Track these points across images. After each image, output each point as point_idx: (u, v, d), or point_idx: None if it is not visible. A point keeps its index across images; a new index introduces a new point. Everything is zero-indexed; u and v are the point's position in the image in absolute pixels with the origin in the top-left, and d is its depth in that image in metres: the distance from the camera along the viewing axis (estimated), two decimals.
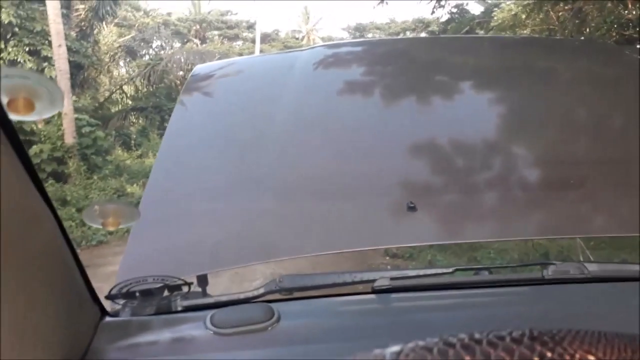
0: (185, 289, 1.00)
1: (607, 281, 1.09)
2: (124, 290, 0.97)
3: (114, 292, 0.97)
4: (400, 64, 1.79)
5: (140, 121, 13.54)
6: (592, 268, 1.08)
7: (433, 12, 10.92)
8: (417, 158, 1.36)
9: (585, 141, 1.55)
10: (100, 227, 0.84)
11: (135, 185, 8.88)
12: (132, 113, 13.57)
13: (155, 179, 1.25)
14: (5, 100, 0.54)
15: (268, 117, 1.39)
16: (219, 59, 12.09)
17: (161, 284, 0.98)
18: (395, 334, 0.84)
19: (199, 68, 1.76)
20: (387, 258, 5.00)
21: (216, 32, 25.08)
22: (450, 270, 1.08)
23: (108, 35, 15.19)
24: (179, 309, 1.01)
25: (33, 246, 0.66)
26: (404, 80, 1.70)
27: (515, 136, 1.57)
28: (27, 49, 10.45)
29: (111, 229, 0.83)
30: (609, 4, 7.40)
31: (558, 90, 1.68)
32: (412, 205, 1.09)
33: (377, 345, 0.77)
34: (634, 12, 7.27)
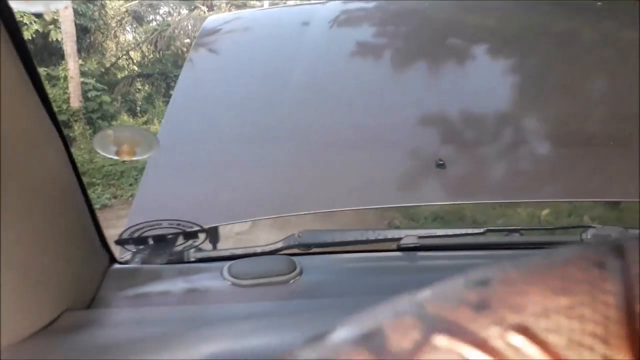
0: (201, 237, 0.96)
1: None
2: (136, 234, 0.93)
3: (125, 236, 0.93)
4: (424, 24, 1.74)
5: (146, 88, 13.43)
6: (634, 232, 1.03)
7: None
8: (440, 114, 1.33)
9: (611, 106, 1.51)
10: (114, 156, 0.79)
11: None
12: (138, 79, 13.46)
13: (169, 125, 1.21)
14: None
15: (284, 71, 1.36)
16: None
17: (176, 230, 0.94)
18: (422, 288, 0.82)
19: (211, 20, 1.71)
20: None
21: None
22: (482, 230, 1.04)
23: None
24: (192, 259, 0.97)
25: (40, 174, 0.62)
26: (431, 39, 1.66)
27: (539, 99, 1.53)
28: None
29: (126, 158, 0.78)
30: None
31: (580, 55, 1.63)
32: (441, 162, 1.06)
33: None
34: None
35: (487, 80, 1.52)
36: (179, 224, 0.93)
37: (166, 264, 0.94)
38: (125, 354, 0.63)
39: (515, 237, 1.10)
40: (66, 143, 0.69)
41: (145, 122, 11.52)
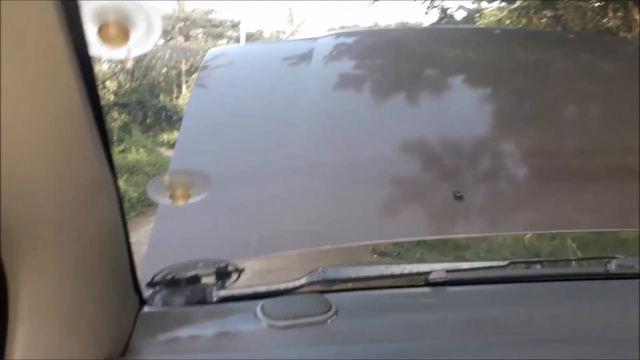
0: (234, 276, 0.93)
1: None
2: (169, 276, 0.90)
3: (157, 278, 0.90)
4: (418, 54, 1.80)
5: (122, 117, 13.34)
6: None
7: (427, 13, 10.96)
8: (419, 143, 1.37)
9: (585, 136, 1.56)
10: (168, 201, 0.75)
11: (119, 180, 8.72)
12: (115, 108, 13.38)
13: (178, 163, 1.19)
14: (94, 27, 0.48)
15: (293, 104, 1.36)
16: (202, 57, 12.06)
17: (212, 271, 0.92)
18: (456, 329, 0.82)
19: (213, 52, 1.73)
20: (375, 256, 4.98)
21: (200, 30, 24.85)
22: (506, 263, 1.05)
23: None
24: (216, 298, 0.93)
25: (93, 220, 0.61)
26: (424, 70, 1.71)
27: (515, 128, 1.59)
28: None
29: (180, 203, 0.76)
30: (590, 13, 7.57)
31: (555, 85, 1.70)
32: (459, 194, 1.07)
33: (440, 342, 0.75)
34: (613, 21, 7.45)
35: (463, 110, 1.57)
36: (214, 264, 0.91)
37: (194, 304, 0.91)
38: None
39: (539, 270, 1.11)
40: (118, 187, 0.67)
41: (122, 151, 11.40)
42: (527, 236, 4.18)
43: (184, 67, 15.81)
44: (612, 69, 1.72)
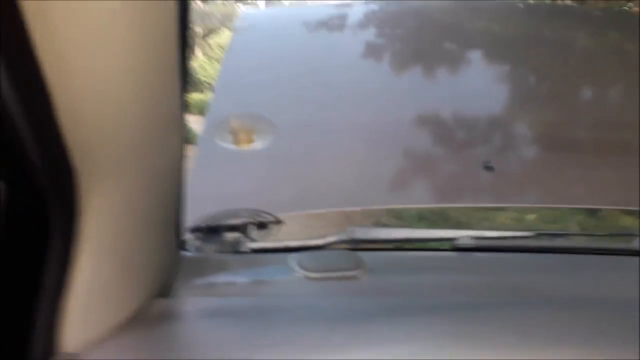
0: (272, 227, 0.96)
1: None
2: (211, 223, 0.93)
3: (197, 225, 0.93)
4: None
5: None
6: None
7: None
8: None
9: (606, 115, 1.57)
10: (232, 145, 0.76)
11: None
12: None
13: (215, 114, 1.19)
14: None
15: (324, 69, 1.38)
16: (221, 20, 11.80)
17: (253, 220, 0.94)
18: (480, 292, 0.86)
19: (246, 15, 1.76)
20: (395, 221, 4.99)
21: None
22: (532, 233, 1.07)
23: None
24: (249, 249, 0.97)
25: (160, 162, 0.61)
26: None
27: (535, 105, 1.59)
28: None
29: (244, 146, 0.76)
30: None
31: (577, 63, 1.69)
32: (489, 165, 1.07)
33: (466, 300, 0.78)
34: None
35: (480, 84, 1.57)
36: (257, 214, 0.94)
37: (229, 252, 0.94)
38: (219, 344, 0.64)
39: (564, 242, 1.14)
40: (186, 130, 0.67)
41: None
42: (530, 217, 4.18)
43: (200, 30, 15.65)
44: (634, 48, 1.70)
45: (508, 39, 1.77)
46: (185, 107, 0.63)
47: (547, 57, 1.68)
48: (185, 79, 0.60)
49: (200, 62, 13.97)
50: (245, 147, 0.78)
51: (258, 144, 0.77)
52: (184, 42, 0.55)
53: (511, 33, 1.82)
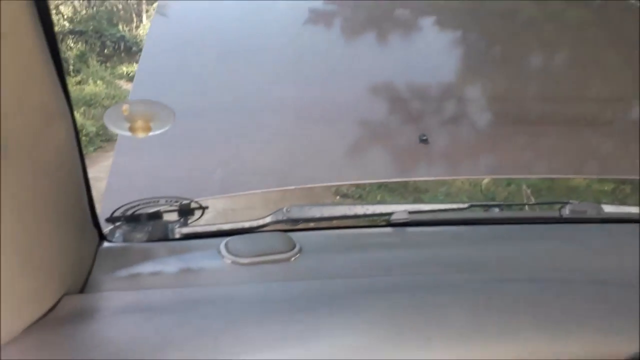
0: (197, 214, 0.92)
1: (622, 222, 1.09)
2: (130, 212, 0.89)
3: (117, 214, 0.88)
4: None
5: (79, 46, 12.66)
6: (609, 209, 1.08)
7: None
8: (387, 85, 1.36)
9: (548, 84, 1.58)
10: (127, 132, 0.72)
11: (76, 113, 8.39)
12: (70, 36, 12.65)
13: (137, 94, 1.15)
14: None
15: (260, 37, 1.32)
16: None
17: (174, 207, 0.90)
18: (415, 267, 0.84)
19: None
20: (337, 197, 5.05)
21: None
22: (466, 205, 1.07)
23: None
24: (179, 235, 0.93)
25: (47, 151, 0.58)
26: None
27: (482, 73, 1.59)
28: None
29: (141, 134, 0.72)
30: None
31: (523, 31, 1.70)
32: (424, 138, 1.08)
33: (399, 279, 0.78)
34: None
35: (431, 53, 1.56)
36: (176, 201, 0.90)
37: (155, 241, 0.90)
38: (130, 343, 0.61)
39: (497, 213, 1.15)
40: (74, 117, 0.64)
41: (79, 82, 10.90)
42: (485, 181, 4.31)
43: None
44: (579, 17, 1.72)
45: (454, 8, 1.74)
46: (67, 95, 0.60)
47: (494, 25, 1.68)
48: (60, 67, 0.56)
49: (146, 30, 13.41)
50: (143, 135, 0.73)
51: (155, 132, 0.73)
52: (47, 28, 0.51)
53: (458, 2, 1.80)
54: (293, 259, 0.83)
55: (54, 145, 0.59)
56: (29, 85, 0.51)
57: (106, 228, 0.89)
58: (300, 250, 0.85)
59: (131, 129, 0.74)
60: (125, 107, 0.73)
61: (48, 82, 0.54)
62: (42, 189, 0.59)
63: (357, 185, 5.29)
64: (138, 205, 0.89)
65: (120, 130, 0.75)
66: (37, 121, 0.54)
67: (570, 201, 1.09)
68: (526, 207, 1.54)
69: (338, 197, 5.07)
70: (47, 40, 0.52)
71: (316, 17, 1.59)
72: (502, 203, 1.20)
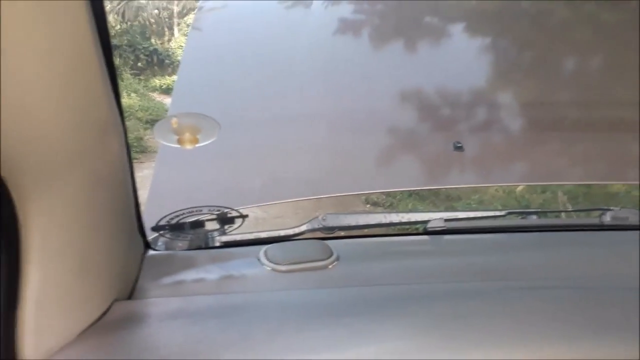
0: (237, 222, 0.94)
1: None
2: (174, 221, 0.92)
3: (162, 222, 0.92)
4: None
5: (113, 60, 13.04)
6: None
7: None
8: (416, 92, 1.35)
9: (583, 88, 1.55)
10: (176, 144, 0.76)
11: None
12: None
13: (176, 107, 1.18)
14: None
15: (292, 48, 1.34)
16: None
17: (216, 216, 0.93)
18: (452, 275, 0.84)
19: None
20: (368, 206, 5.03)
21: None
22: (503, 213, 1.07)
23: None
24: (219, 244, 0.96)
25: (103, 163, 0.61)
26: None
27: (514, 79, 1.57)
28: None
29: (188, 146, 0.75)
30: None
31: (556, 35, 1.67)
32: (459, 145, 1.07)
33: (436, 286, 0.78)
34: None
35: (462, 59, 1.55)
36: (218, 210, 0.92)
37: (196, 249, 0.93)
38: (180, 347, 0.63)
39: (535, 220, 1.13)
40: (125, 130, 0.67)
41: None
42: (519, 188, 4.23)
43: (175, 9, 15.33)
44: (614, 20, 1.68)
45: (484, 13, 1.73)
46: (120, 109, 0.62)
47: (525, 29, 1.65)
48: (115, 83, 0.59)
49: (178, 43, 13.70)
50: (190, 146, 0.76)
51: (202, 144, 0.75)
52: (105, 45, 0.54)
53: (488, 7, 1.78)
54: (330, 266, 0.84)
55: (108, 158, 0.62)
56: (90, 101, 0.54)
57: (151, 236, 0.92)
58: (337, 258, 0.86)
59: (180, 141, 0.76)
60: (174, 120, 0.75)
61: (106, 97, 0.57)
62: (97, 199, 0.61)
63: (388, 194, 5.25)
64: (182, 213, 0.91)
65: (169, 142, 0.77)
66: (95, 135, 0.57)
67: (611, 207, 1.07)
68: (563, 214, 1.50)
69: (368, 206, 5.05)
70: (105, 58, 0.55)
71: (345, 27, 1.60)
72: (539, 210, 1.18)
